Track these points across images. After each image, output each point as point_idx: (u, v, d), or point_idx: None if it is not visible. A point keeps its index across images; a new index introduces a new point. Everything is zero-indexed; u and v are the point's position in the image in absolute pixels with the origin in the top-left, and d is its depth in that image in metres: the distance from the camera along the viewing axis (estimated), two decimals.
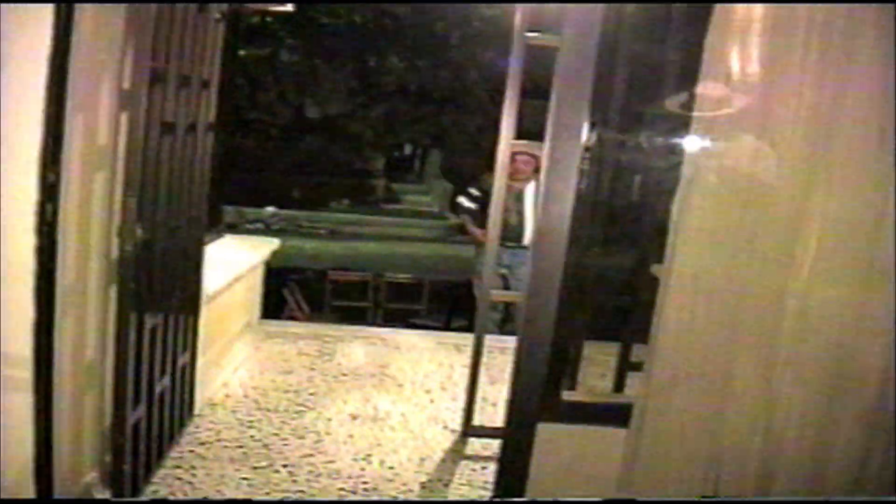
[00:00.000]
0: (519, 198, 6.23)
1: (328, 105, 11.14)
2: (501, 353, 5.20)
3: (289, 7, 5.23)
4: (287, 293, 8.31)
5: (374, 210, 17.99)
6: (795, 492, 2.56)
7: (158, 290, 3.30)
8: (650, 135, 3.13)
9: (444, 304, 10.16)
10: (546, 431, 2.76)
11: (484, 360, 5.42)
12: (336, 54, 11.44)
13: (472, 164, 20.41)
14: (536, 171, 5.97)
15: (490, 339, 5.95)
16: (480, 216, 6.40)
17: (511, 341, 4.45)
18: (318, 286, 9.65)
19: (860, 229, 2.48)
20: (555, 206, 2.60)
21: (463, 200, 6.66)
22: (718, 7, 2.45)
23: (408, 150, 19.50)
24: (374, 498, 3.46)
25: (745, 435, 2.58)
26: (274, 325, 5.92)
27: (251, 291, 5.64)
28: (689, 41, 2.69)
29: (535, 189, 6.12)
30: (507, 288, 6.21)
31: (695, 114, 2.55)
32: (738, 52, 2.48)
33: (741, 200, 2.54)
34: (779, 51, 2.46)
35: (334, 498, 3.42)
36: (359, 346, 5.61)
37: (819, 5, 2.40)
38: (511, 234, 6.07)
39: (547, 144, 2.61)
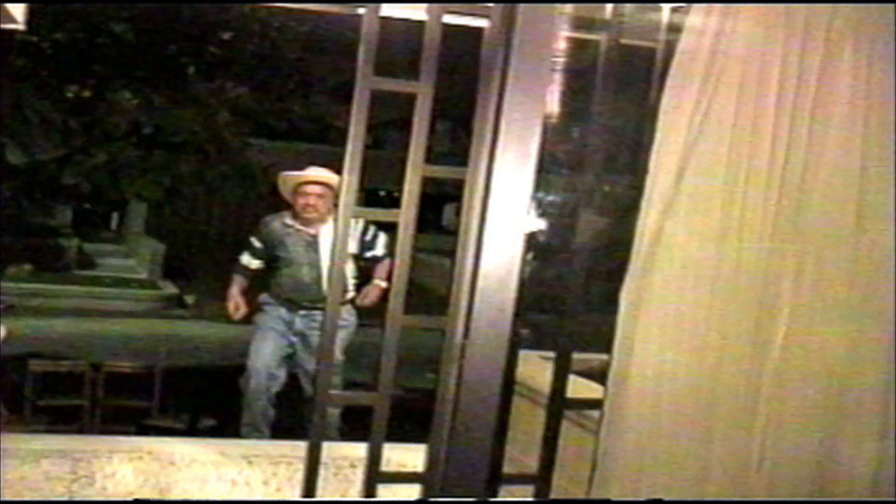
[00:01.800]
0: (312, 245, 5.76)
1: (38, 148, 10.32)
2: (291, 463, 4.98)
3: None
4: None
5: (65, 277, 16.97)
6: None
7: None
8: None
9: (183, 398, 9.72)
10: None
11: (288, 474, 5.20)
12: (52, 85, 10.70)
13: (203, 220, 19.93)
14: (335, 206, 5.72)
15: (271, 446, 5.77)
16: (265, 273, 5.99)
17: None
18: (12, 380, 8.88)
19: (842, 257, 2.69)
20: (497, 268, 2.51)
21: (246, 258, 6.00)
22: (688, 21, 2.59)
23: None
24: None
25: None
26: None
27: None
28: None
29: (335, 231, 5.81)
30: (294, 360, 5.91)
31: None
32: (707, 69, 2.61)
33: (717, 232, 2.66)
34: (749, 74, 2.62)
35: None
36: (122, 463, 5.11)
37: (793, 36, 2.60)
38: (304, 293, 5.70)
39: (486, 172, 2.55)
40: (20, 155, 10.36)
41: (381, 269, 5.70)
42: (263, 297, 5.94)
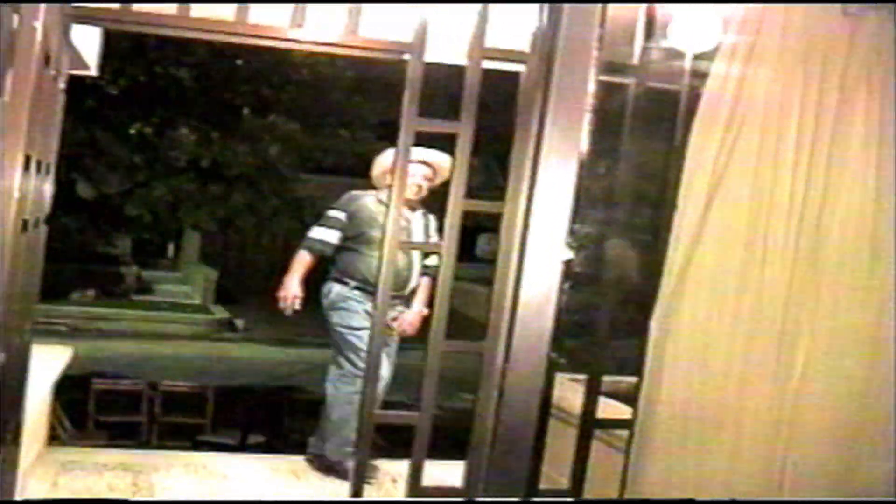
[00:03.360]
0: (405, 230, 4.51)
1: (104, 183, 10.47)
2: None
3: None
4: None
5: (124, 302, 17.11)
6: None
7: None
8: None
9: (232, 416, 9.77)
10: None
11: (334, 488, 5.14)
12: (118, 124, 10.88)
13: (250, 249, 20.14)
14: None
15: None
16: (338, 256, 4.72)
17: None
18: (76, 397, 8.97)
19: (858, 287, 2.72)
20: (537, 297, 2.51)
21: (320, 232, 4.66)
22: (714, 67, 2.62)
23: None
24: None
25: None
26: (65, 453, 5.34)
27: (41, 414, 5.08)
28: None
29: (425, 217, 4.84)
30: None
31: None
32: (732, 111, 2.66)
33: (742, 263, 2.69)
34: (770, 116, 2.65)
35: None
36: (179, 476, 5.15)
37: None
38: (395, 280, 4.15)
39: (525, 206, 2.57)
40: (90, 189, 10.51)
41: (423, 293, 4.85)
42: (339, 290, 4.72)
